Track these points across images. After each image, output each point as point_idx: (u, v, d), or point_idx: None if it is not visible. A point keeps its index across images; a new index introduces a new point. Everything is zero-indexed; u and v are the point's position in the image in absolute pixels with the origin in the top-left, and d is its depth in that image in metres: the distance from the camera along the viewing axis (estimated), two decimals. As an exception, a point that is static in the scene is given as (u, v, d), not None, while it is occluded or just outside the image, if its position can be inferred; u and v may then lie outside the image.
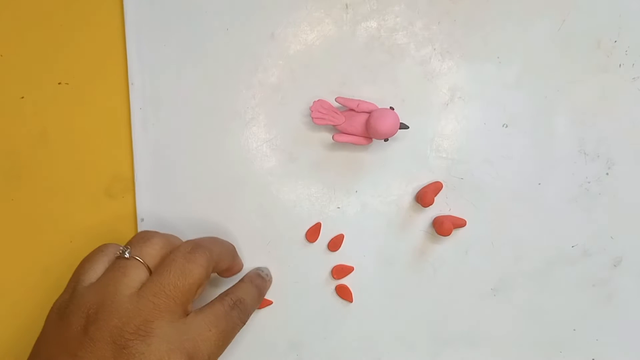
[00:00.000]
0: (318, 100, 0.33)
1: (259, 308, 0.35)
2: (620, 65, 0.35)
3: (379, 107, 0.33)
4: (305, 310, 0.35)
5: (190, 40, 0.35)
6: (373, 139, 0.33)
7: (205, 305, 0.29)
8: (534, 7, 0.35)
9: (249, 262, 0.35)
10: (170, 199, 0.35)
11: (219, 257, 0.30)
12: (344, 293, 0.35)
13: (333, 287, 0.35)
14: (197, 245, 0.28)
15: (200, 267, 0.28)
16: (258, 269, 0.34)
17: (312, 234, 0.35)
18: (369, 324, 0.35)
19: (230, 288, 0.31)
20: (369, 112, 0.32)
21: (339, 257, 0.35)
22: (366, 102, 0.33)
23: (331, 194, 0.35)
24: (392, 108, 0.32)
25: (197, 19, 0.35)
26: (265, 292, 0.34)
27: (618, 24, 0.35)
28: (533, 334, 0.35)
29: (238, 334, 0.32)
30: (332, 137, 0.33)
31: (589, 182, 0.35)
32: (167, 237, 0.29)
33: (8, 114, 0.35)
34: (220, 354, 0.28)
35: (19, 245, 0.35)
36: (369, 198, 0.35)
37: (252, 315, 0.35)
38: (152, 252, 0.28)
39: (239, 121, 0.35)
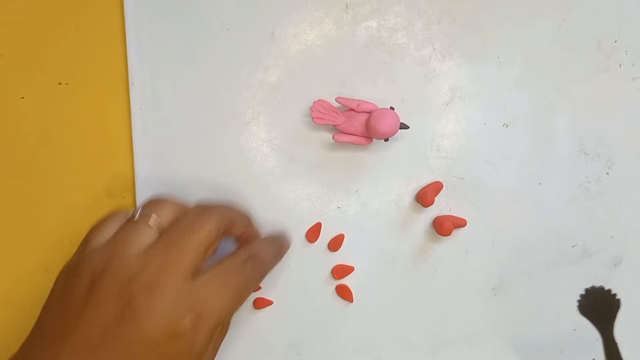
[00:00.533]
0: (318, 100, 0.33)
1: (259, 308, 0.35)
2: (620, 65, 0.35)
3: (379, 107, 0.33)
4: (305, 310, 0.35)
5: (190, 40, 0.35)
6: (373, 139, 0.33)
7: (217, 261, 0.28)
8: (534, 7, 0.35)
9: (249, 262, 0.35)
10: (170, 199, 0.35)
11: (232, 219, 0.29)
12: (344, 293, 0.35)
13: (333, 287, 0.35)
14: (208, 206, 0.28)
15: (210, 223, 0.27)
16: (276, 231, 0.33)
17: (313, 234, 0.35)
18: (369, 324, 0.35)
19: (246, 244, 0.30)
20: (369, 112, 0.32)
21: (339, 257, 0.35)
22: (366, 102, 0.33)
23: (331, 194, 0.35)
24: (392, 108, 0.32)
25: (197, 19, 0.35)
26: (284, 251, 0.33)
27: (618, 24, 0.35)
28: (533, 334, 0.35)
29: (236, 334, 0.32)
30: (332, 137, 0.33)
31: (589, 182, 0.35)
32: (180, 202, 0.29)
33: (8, 114, 0.35)
34: (234, 310, 0.27)
35: (19, 245, 0.35)
36: (369, 198, 0.35)
37: (252, 315, 0.35)
38: (162, 214, 0.27)
39: (239, 121, 0.35)
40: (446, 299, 0.35)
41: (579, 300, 0.32)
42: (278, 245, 0.32)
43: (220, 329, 0.27)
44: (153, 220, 0.27)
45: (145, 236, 0.26)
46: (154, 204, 0.28)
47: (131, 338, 0.24)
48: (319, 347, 0.35)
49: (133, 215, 0.27)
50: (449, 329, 0.35)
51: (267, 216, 0.35)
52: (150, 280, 0.24)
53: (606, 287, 0.32)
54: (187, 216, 0.27)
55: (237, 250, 0.29)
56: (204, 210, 0.28)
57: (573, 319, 0.35)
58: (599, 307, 0.31)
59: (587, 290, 0.32)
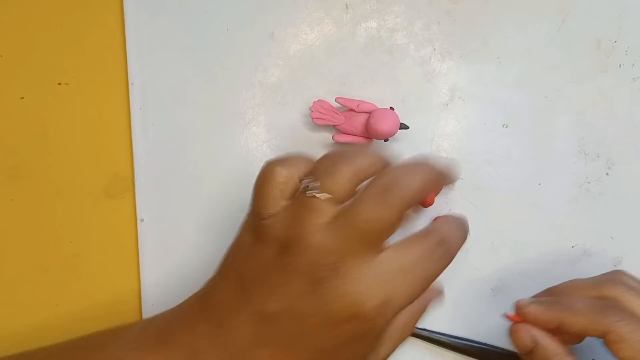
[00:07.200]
0: (318, 101, 0.33)
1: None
2: (620, 65, 0.35)
3: (379, 107, 0.33)
4: (305, 310, 0.35)
5: (190, 40, 0.35)
6: (373, 139, 0.33)
7: (404, 241, 0.25)
8: (534, 7, 0.35)
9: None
10: (170, 199, 0.35)
11: (417, 196, 0.25)
12: (344, 293, 0.35)
13: (333, 287, 0.35)
14: (389, 187, 0.25)
15: (392, 211, 0.24)
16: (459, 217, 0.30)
17: None
18: (369, 324, 0.35)
19: (433, 223, 0.28)
20: (369, 113, 0.32)
21: (339, 257, 0.35)
22: (366, 102, 0.33)
23: (331, 194, 0.35)
24: (392, 108, 0.32)
25: (197, 19, 0.35)
26: (466, 237, 0.29)
27: (618, 24, 0.35)
28: (533, 334, 0.35)
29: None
30: (332, 138, 0.33)
31: (589, 182, 0.35)
32: (354, 165, 0.26)
33: (8, 114, 0.35)
34: (416, 298, 0.25)
35: (19, 245, 0.35)
36: (369, 198, 0.35)
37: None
38: (338, 187, 0.25)
39: (239, 121, 0.35)
40: (446, 299, 0.35)
41: None
42: (465, 231, 0.28)
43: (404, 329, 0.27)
44: (330, 194, 0.25)
45: (325, 213, 0.25)
46: (327, 174, 0.25)
47: (312, 315, 0.24)
48: (318, 347, 0.35)
49: (307, 187, 0.25)
50: (449, 329, 0.35)
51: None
52: (339, 261, 0.24)
53: None
54: (366, 198, 0.25)
55: (427, 230, 0.26)
56: (385, 192, 0.24)
57: (573, 319, 0.35)
58: None
59: None
